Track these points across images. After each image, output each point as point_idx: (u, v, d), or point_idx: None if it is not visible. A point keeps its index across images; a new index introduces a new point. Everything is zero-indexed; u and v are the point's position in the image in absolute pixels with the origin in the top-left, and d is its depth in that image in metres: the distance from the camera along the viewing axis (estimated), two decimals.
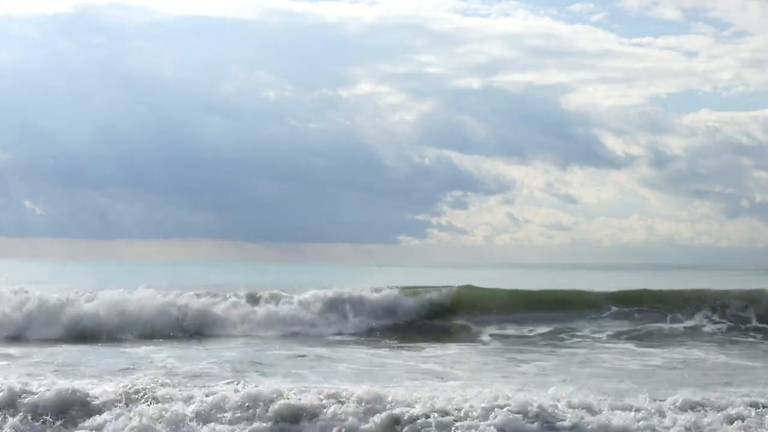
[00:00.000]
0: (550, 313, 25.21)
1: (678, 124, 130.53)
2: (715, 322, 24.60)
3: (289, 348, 19.46)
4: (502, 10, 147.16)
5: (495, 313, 25.14)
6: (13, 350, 18.81)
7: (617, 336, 23.03)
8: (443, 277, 32.95)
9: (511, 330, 23.89)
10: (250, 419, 10.47)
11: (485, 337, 22.75)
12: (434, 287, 26.64)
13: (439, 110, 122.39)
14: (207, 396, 10.90)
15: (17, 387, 11.15)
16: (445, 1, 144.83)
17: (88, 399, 10.95)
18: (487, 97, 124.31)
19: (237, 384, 11.46)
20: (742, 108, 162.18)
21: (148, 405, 10.67)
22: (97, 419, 10.58)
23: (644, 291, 26.81)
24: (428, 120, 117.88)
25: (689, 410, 10.82)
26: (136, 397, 10.94)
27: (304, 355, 18.04)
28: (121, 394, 10.95)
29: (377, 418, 10.37)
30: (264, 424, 10.39)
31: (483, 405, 10.52)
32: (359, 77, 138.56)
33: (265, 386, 11.16)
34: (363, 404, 10.60)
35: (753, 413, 10.74)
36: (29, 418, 10.61)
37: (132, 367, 15.83)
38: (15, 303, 22.72)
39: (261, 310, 24.21)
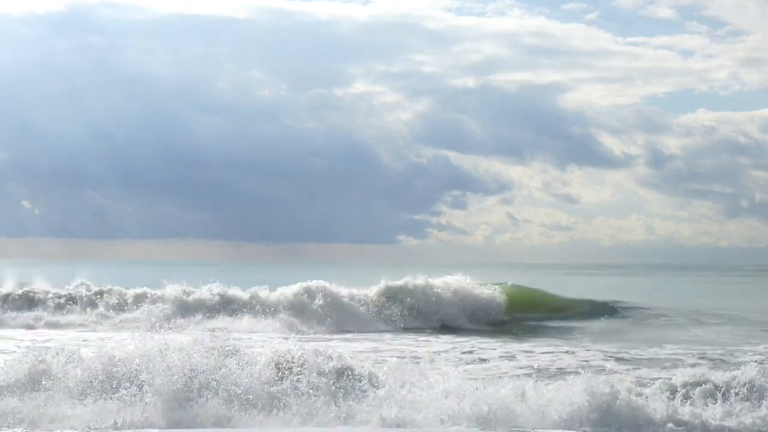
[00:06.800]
0: None
1: (675, 124, 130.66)
2: None
3: None
4: (497, 9, 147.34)
5: None
6: None
7: None
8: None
9: None
10: None
11: None
12: None
13: (435, 109, 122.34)
14: None
15: None
16: None
17: None
18: (483, 96, 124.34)
19: None
20: (739, 107, 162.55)
21: None
22: None
23: None
24: (424, 119, 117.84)
25: None
26: None
27: None
28: None
29: None
30: None
31: None
32: (354, 76, 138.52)
33: None
34: None
35: None
36: None
37: None
38: None
39: None
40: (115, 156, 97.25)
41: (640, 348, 20.76)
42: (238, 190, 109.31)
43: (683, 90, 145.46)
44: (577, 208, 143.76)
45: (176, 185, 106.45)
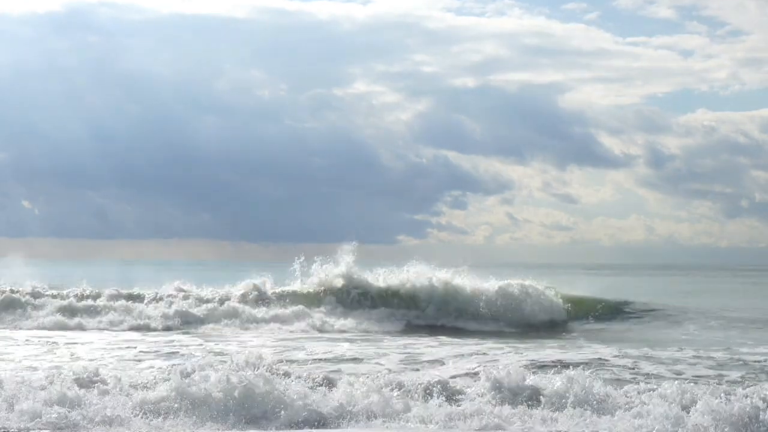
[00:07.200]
0: None
1: (675, 124, 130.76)
2: None
3: None
4: (497, 9, 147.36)
5: None
6: None
7: None
8: None
9: None
10: None
11: None
12: None
13: (435, 109, 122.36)
14: None
15: None
16: None
17: None
18: (483, 96, 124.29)
19: None
20: (739, 107, 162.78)
21: None
22: None
23: None
24: (424, 119, 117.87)
25: None
26: None
27: None
28: None
29: None
30: None
31: None
32: (354, 76, 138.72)
33: None
34: None
35: None
36: None
37: None
38: None
39: None
40: (115, 156, 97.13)
41: (641, 348, 20.76)
42: (238, 190, 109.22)
43: (683, 90, 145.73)
44: (577, 208, 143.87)
45: (176, 185, 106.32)
